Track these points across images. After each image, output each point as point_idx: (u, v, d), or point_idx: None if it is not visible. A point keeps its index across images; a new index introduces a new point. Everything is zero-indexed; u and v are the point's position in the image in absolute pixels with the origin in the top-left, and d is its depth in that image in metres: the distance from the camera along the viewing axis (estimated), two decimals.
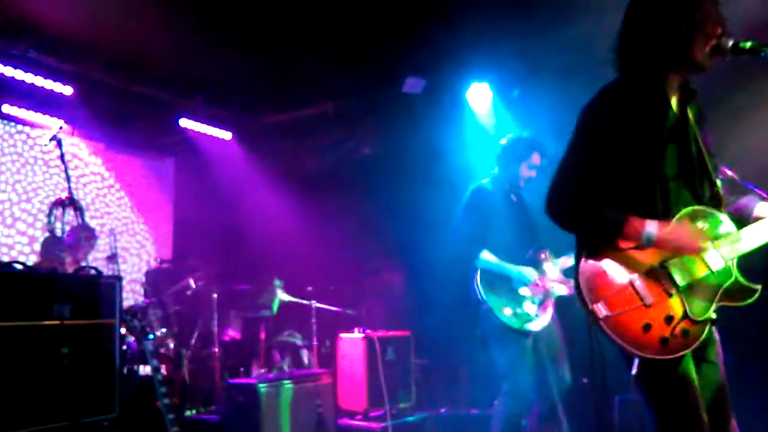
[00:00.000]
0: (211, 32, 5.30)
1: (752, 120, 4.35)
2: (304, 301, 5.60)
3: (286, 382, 4.35)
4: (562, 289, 3.86)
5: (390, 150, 6.65)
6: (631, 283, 2.06)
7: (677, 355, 2.01)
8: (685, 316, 2.03)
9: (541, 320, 3.78)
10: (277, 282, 5.71)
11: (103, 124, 6.74)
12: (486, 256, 3.80)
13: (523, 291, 3.78)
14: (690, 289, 2.06)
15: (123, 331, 3.88)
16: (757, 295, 2.10)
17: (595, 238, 2.13)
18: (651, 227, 2.05)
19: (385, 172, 6.45)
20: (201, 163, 7.38)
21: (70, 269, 4.64)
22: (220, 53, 5.62)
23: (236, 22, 5.15)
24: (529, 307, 3.75)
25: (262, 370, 5.39)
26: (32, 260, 5.73)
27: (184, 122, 6.73)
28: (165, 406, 3.10)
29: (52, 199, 5.69)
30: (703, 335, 2.04)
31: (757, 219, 2.18)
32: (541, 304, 3.79)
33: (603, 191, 2.12)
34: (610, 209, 2.10)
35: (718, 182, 2.23)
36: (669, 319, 2.03)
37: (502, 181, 4.01)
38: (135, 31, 5.14)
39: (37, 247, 5.90)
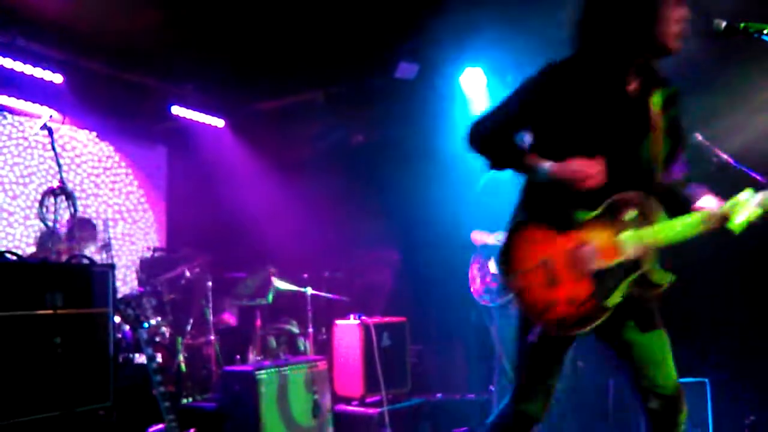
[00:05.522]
0: (199, 19, 5.24)
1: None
2: (300, 289, 5.59)
3: (282, 369, 4.34)
4: None
5: (383, 136, 6.62)
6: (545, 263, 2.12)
7: (573, 333, 2.10)
8: (591, 299, 2.06)
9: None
10: (271, 270, 5.69)
11: (94, 112, 6.66)
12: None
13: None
14: (601, 274, 2.08)
15: (117, 319, 3.87)
16: (665, 285, 2.08)
17: (501, 164, 2.27)
18: (546, 163, 2.14)
19: (379, 158, 6.42)
20: (194, 150, 7.33)
21: (64, 258, 4.61)
22: (210, 40, 5.57)
23: (225, 8, 5.10)
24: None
25: (258, 358, 5.39)
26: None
27: (176, 110, 6.68)
28: (161, 394, 3.09)
29: (45, 188, 5.63)
30: (603, 318, 2.06)
31: (694, 210, 2.14)
32: None
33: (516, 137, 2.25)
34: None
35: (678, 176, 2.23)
36: (573, 300, 2.07)
37: None
38: (124, 18, 5.08)
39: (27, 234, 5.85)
